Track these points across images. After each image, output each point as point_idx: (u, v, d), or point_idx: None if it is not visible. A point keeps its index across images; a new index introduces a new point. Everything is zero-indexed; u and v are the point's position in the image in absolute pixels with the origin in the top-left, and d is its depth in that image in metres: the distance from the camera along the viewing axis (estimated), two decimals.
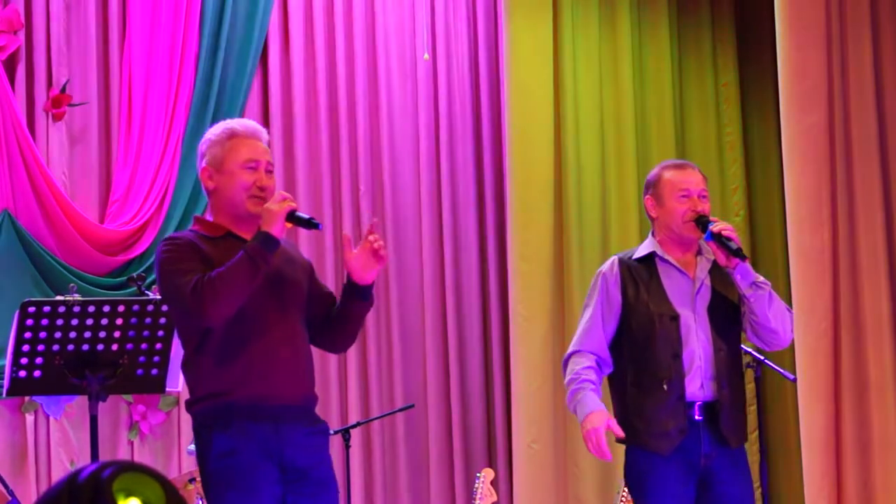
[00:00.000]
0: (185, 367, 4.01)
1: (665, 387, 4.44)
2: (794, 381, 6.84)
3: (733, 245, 4.44)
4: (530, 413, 7.18)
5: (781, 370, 6.48)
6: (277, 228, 3.90)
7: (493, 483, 6.33)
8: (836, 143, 6.98)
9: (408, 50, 7.52)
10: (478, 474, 6.33)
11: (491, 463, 7.38)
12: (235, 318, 3.89)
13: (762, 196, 8.12)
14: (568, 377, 4.57)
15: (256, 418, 3.91)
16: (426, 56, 7.34)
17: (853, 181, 6.98)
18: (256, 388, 3.91)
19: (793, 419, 7.35)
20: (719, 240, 4.46)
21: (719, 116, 8.07)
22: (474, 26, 7.70)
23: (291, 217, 3.94)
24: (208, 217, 4.10)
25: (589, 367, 4.54)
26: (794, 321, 6.89)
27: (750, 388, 7.19)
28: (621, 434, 4.49)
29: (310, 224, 3.97)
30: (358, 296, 4.08)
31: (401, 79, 7.51)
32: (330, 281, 7.09)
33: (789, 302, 7.15)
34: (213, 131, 4.11)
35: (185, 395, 4.08)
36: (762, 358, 5.99)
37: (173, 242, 4.01)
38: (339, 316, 4.13)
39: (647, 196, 4.64)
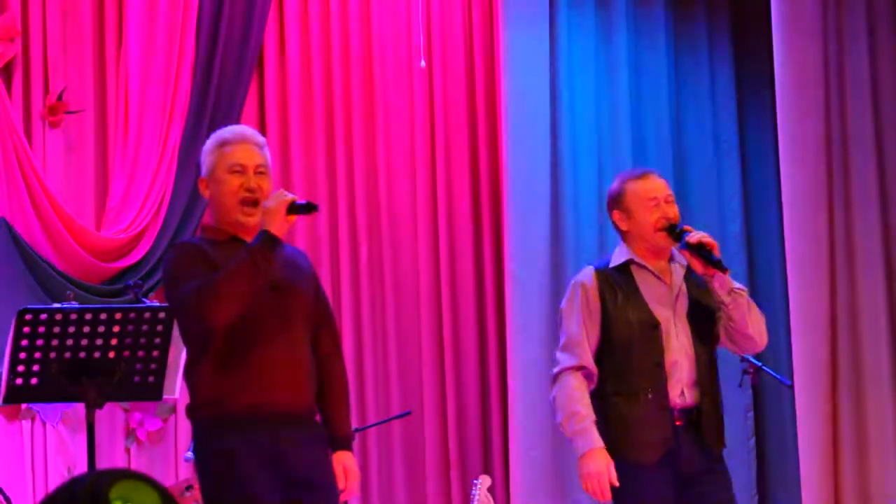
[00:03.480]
0: (188, 372, 4.02)
1: (649, 395, 4.44)
2: (791, 386, 6.85)
3: (714, 256, 4.42)
4: (527, 420, 7.18)
5: (778, 376, 6.49)
6: (277, 226, 3.90)
7: (490, 490, 6.33)
8: (833, 147, 7.00)
9: (404, 57, 7.52)
10: (474, 481, 6.33)
11: (487, 470, 7.37)
12: (239, 326, 3.90)
13: (759, 201, 8.12)
14: (564, 398, 4.50)
15: (256, 425, 3.91)
16: (422, 63, 7.34)
17: (850, 185, 6.98)
18: (257, 395, 3.92)
19: (790, 425, 7.35)
20: (698, 250, 4.44)
21: (716, 123, 8.07)
22: (470, 32, 7.70)
23: (292, 209, 3.93)
24: (212, 222, 4.13)
25: (586, 393, 4.49)
26: (792, 326, 6.94)
27: (747, 394, 7.22)
28: (616, 483, 4.43)
29: (309, 207, 3.95)
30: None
31: (397, 86, 7.51)
32: (326, 286, 7.08)
33: (786, 307, 7.16)
34: (208, 142, 4.14)
35: (184, 403, 4.09)
36: (760, 364, 5.98)
37: (181, 249, 4.04)
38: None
39: (615, 211, 4.61)
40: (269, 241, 3.88)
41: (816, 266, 6.90)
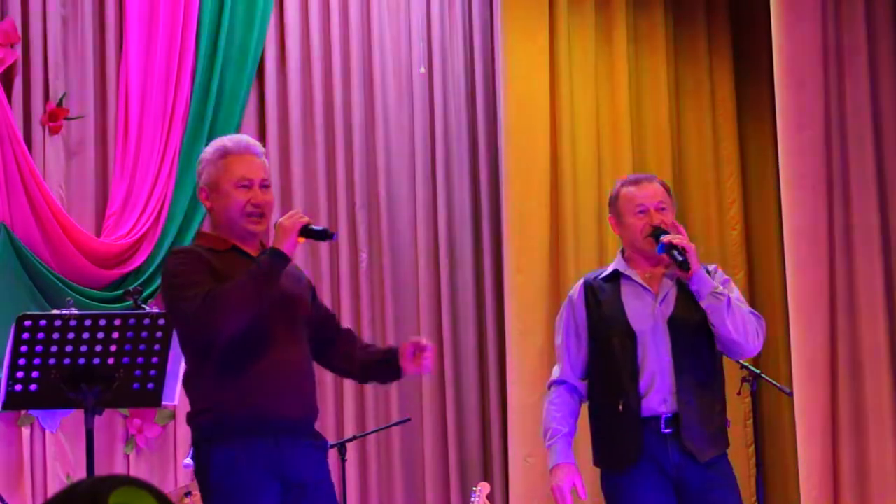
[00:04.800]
0: (187, 380, 4.01)
1: (619, 407, 4.46)
2: (791, 395, 6.84)
3: (678, 256, 4.42)
4: (526, 427, 7.17)
5: (778, 385, 6.48)
6: (288, 245, 3.91)
7: (489, 497, 6.32)
8: (832, 156, 7.00)
9: (404, 63, 7.52)
10: (474, 488, 6.33)
11: (487, 477, 7.37)
12: (242, 333, 3.89)
13: (759, 209, 8.13)
14: (544, 413, 4.64)
15: (258, 432, 3.91)
16: (422, 70, 7.35)
17: (849, 193, 6.99)
18: (259, 402, 3.92)
19: (789, 433, 7.35)
20: (669, 251, 4.45)
21: (716, 130, 8.08)
22: (470, 38, 7.71)
23: (305, 231, 3.95)
24: (211, 231, 4.12)
25: (563, 407, 4.60)
26: (791, 332, 6.93)
27: (746, 402, 7.21)
28: (584, 496, 4.63)
29: (324, 235, 3.99)
30: (395, 374, 4.21)
31: (397, 92, 7.51)
32: (325, 293, 7.10)
33: (785, 312, 7.16)
34: (208, 150, 4.12)
35: (183, 409, 4.08)
36: (759, 372, 5.98)
37: (182, 255, 4.03)
38: (359, 367, 4.23)
39: (609, 215, 4.66)
40: (278, 258, 3.90)
41: (816, 272, 6.89)
